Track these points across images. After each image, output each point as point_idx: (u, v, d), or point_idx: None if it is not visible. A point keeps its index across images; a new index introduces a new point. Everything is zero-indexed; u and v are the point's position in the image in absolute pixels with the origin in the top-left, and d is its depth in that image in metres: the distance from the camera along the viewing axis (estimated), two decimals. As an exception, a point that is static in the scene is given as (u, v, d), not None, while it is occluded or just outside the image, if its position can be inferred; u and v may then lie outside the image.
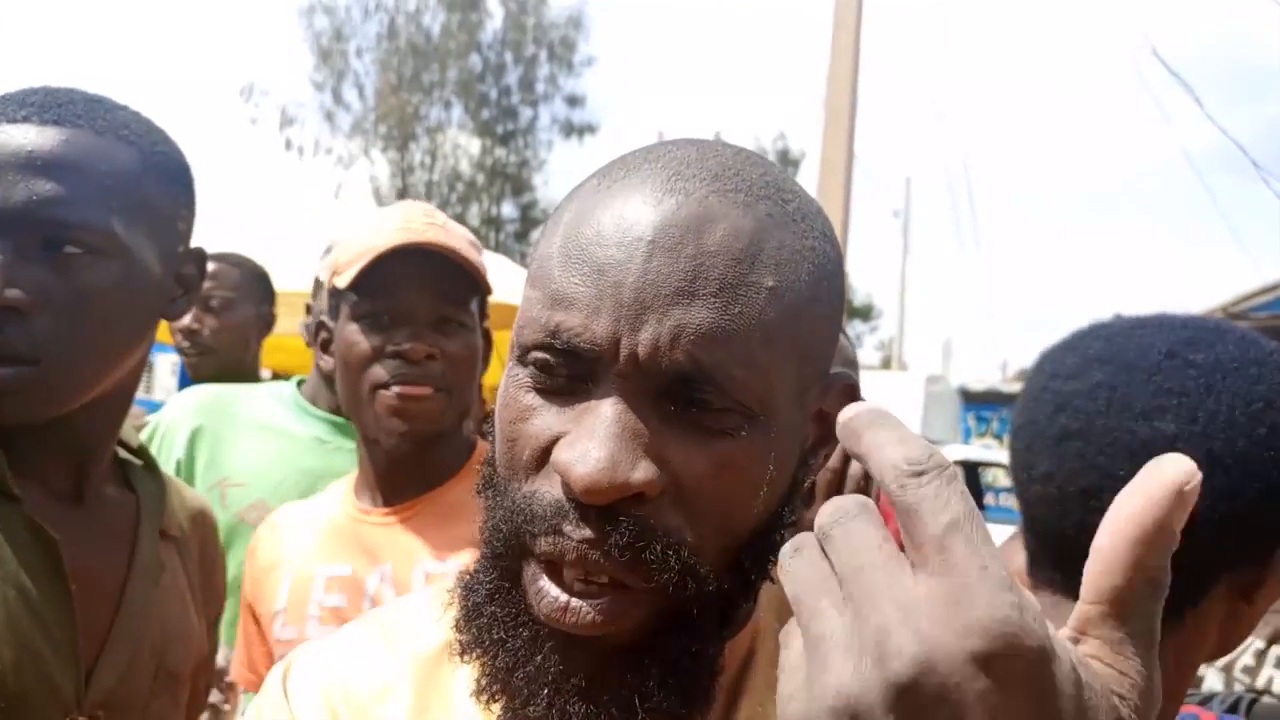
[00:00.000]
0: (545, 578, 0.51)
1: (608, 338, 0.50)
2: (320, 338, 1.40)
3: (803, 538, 0.38)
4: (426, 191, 24.38)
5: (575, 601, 0.50)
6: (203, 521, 1.16)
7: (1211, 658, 0.90)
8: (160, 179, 0.94)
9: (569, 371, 0.52)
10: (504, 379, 0.56)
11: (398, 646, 0.65)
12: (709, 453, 0.51)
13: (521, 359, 0.54)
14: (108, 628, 0.94)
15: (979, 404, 12.53)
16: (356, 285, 1.27)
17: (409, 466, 1.35)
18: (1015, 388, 13.46)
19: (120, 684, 0.93)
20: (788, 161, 29.71)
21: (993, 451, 11.43)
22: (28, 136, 0.85)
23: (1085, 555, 0.81)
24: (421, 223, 1.29)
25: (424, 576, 1.31)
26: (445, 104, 24.35)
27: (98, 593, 0.93)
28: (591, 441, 0.49)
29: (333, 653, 0.67)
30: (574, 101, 25.16)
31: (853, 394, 0.59)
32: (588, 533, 0.49)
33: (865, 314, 34.68)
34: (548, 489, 0.52)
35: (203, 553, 1.14)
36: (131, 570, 0.98)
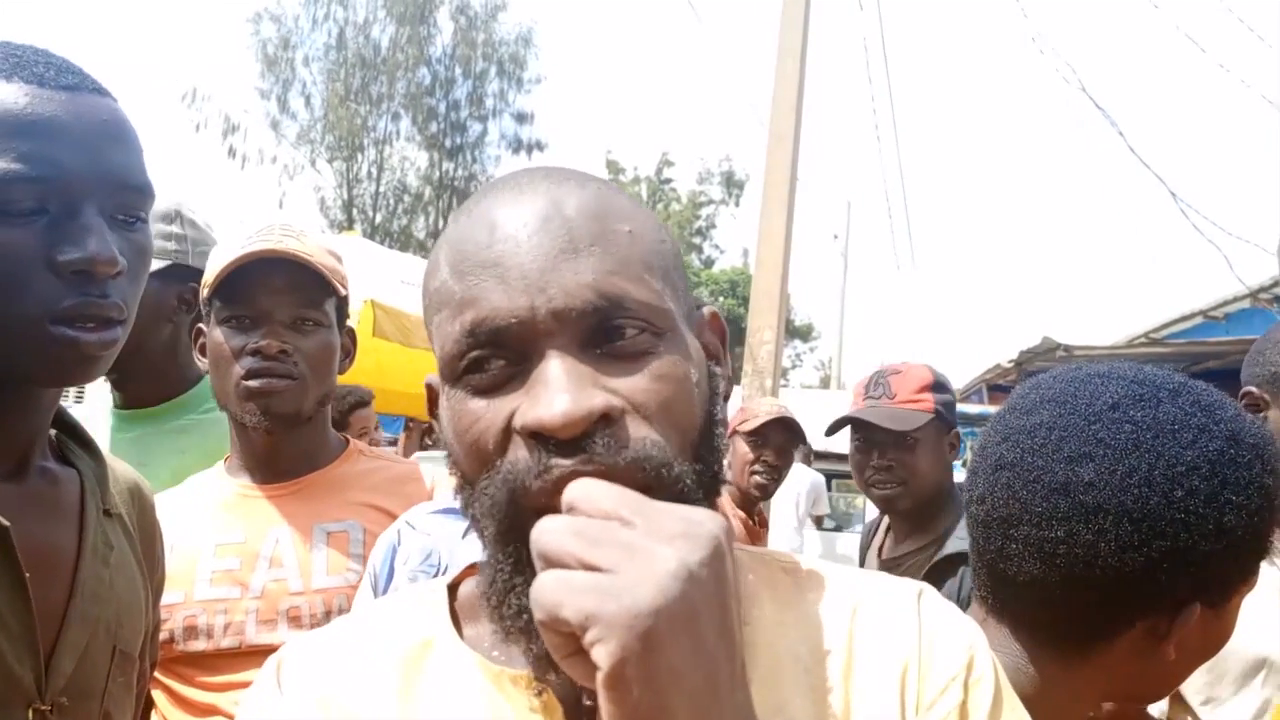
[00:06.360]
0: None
1: (526, 305, 0.59)
2: (199, 343, 1.58)
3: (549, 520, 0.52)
4: (373, 203, 24.19)
5: None
6: (139, 494, 1.14)
7: (1136, 698, 0.94)
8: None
9: (503, 359, 0.60)
10: (443, 407, 0.64)
11: (384, 641, 0.69)
12: (643, 371, 0.60)
13: (454, 379, 0.62)
14: (63, 612, 0.90)
15: (913, 423, 12.69)
16: (218, 293, 1.46)
17: (285, 448, 1.52)
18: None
19: (79, 669, 0.91)
20: (733, 184, 30.02)
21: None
22: (98, 106, 0.85)
23: (1005, 581, 0.90)
24: (277, 234, 1.45)
25: (325, 535, 1.47)
26: (393, 116, 24.25)
27: (50, 575, 0.90)
28: (549, 391, 0.57)
29: (323, 647, 0.70)
30: (523, 118, 25.26)
31: (717, 320, 0.71)
32: (570, 462, 0.57)
33: (805, 334, 35.08)
34: (522, 454, 0.58)
35: (140, 525, 1.12)
36: (82, 551, 0.95)
